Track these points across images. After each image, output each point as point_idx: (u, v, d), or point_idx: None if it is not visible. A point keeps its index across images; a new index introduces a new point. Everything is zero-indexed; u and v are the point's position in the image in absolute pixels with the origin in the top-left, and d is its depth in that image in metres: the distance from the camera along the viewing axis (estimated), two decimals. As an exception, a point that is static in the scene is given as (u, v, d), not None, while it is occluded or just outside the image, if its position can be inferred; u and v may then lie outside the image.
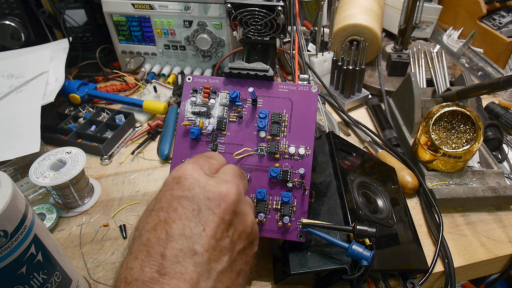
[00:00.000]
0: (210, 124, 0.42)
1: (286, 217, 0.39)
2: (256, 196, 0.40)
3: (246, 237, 0.31)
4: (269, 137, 0.41)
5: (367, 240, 0.37)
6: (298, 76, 0.48)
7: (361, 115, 0.73)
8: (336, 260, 0.38)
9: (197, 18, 0.74)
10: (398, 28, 0.78)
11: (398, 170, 0.55)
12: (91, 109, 0.74)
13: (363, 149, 0.62)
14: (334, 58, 0.72)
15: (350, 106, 0.74)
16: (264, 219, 0.40)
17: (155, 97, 0.76)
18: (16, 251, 0.30)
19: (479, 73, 0.81)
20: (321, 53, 0.78)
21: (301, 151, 0.40)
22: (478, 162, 0.58)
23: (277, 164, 0.40)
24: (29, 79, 0.70)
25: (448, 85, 0.69)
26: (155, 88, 0.76)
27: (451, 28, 0.93)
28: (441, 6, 0.91)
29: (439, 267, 0.45)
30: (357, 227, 0.37)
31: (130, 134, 0.70)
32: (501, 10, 0.88)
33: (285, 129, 0.41)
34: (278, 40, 0.53)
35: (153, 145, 0.67)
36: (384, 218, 0.44)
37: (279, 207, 0.40)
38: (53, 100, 0.66)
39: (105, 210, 0.55)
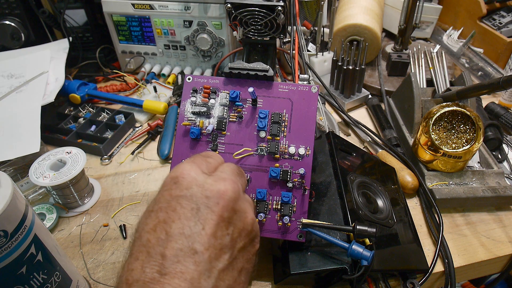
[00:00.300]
0: (210, 124, 0.42)
1: (286, 217, 0.39)
2: (256, 196, 0.40)
3: (246, 235, 0.31)
4: (269, 137, 0.41)
5: (367, 240, 0.37)
6: (298, 76, 0.48)
7: (361, 115, 0.73)
8: (336, 260, 0.38)
9: (197, 18, 0.74)
10: (398, 28, 0.78)
11: (398, 170, 0.55)
12: (91, 109, 0.74)
13: (363, 149, 0.62)
14: (334, 58, 0.72)
15: (350, 106, 0.74)
16: (264, 219, 0.40)
17: (155, 97, 0.76)
18: (16, 251, 0.30)
19: (479, 73, 0.81)
20: (321, 53, 0.78)
21: (301, 151, 0.40)
22: (478, 162, 0.58)
23: (277, 164, 0.40)
24: (29, 79, 0.70)
25: (448, 85, 0.69)
26: (155, 88, 0.76)
27: (451, 28, 0.93)
28: (441, 6, 0.91)
29: (439, 267, 0.45)
30: (357, 227, 0.37)
31: (130, 134, 0.70)
32: (501, 10, 0.88)
33: (285, 129, 0.41)
34: (278, 40, 0.53)
35: (153, 145, 0.67)
36: (384, 218, 0.44)
37: (279, 207, 0.40)
38: (53, 100, 0.66)
39: (105, 210, 0.55)
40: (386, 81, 0.78)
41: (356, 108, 0.75)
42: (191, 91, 0.43)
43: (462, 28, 0.91)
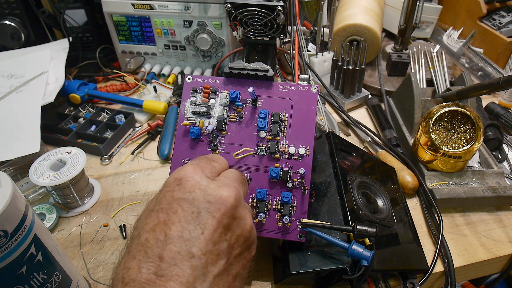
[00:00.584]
0: (210, 124, 0.42)
1: (286, 217, 0.39)
2: (256, 196, 0.40)
3: (243, 241, 0.31)
4: (269, 137, 0.41)
5: (367, 240, 0.37)
6: (298, 76, 0.48)
7: (361, 115, 0.73)
8: (336, 260, 0.38)
9: (197, 18, 0.74)
10: (398, 28, 0.78)
11: (398, 170, 0.55)
12: (91, 109, 0.74)
13: (363, 149, 0.62)
14: (334, 58, 0.72)
15: (350, 106, 0.74)
16: (264, 219, 0.40)
17: (155, 97, 0.76)
18: (16, 251, 0.31)
19: (479, 73, 0.81)
20: (321, 53, 0.78)
21: (301, 151, 0.40)
22: (478, 162, 0.58)
23: (277, 164, 0.40)
24: (29, 79, 0.70)
25: (448, 85, 0.69)
26: (155, 88, 0.76)
27: (451, 28, 0.93)
28: (441, 6, 0.91)
29: (439, 267, 0.45)
30: (357, 227, 0.37)
31: (130, 134, 0.70)
32: (501, 10, 0.88)
33: (285, 129, 0.41)
34: (278, 40, 0.53)
35: (153, 145, 0.67)
36: (384, 218, 0.44)
37: (279, 207, 0.40)
38: (53, 100, 0.66)
39: (105, 210, 0.55)
40: (386, 81, 0.78)
41: (356, 108, 0.75)
42: (191, 91, 0.43)
43: (462, 28, 0.91)
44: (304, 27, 0.83)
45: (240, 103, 0.42)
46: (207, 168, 0.33)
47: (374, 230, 0.36)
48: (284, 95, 0.42)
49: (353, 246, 0.36)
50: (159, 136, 0.67)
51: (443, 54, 0.76)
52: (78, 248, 0.49)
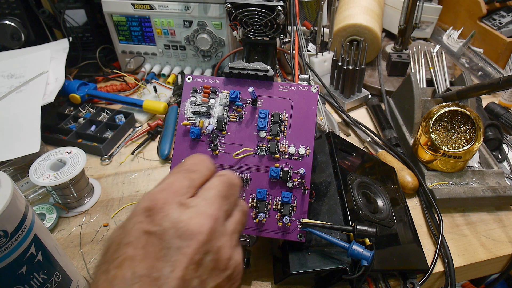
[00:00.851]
0: (210, 124, 0.42)
1: (286, 217, 0.39)
2: (256, 196, 0.40)
3: (218, 274, 0.29)
4: (269, 137, 0.41)
5: (367, 240, 0.37)
6: (298, 76, 0.48)
7: (361, 115, 0.73)
8: (336, 260, 0.38)
9: (197, 18, 0.74)
10: (398, 28, 0.78)
11: (398, 170, 0.55)
12: (91, 109, 0.74)
13: (363, 149, 0.62)
14: (334, 58, 0.72)
15: (350, 106, 0.74)
16: (264, 219, 0.40)
17: (155, 97, 0.76)
18: (16, 251, 0.31)
19: (479, 73, 0.81)
20: (321, 53, 0.78)
21: (301, 151, 0.40)
22: (478, 162, 0.58)
23: (277, 164, 0.40)
24: (29, 79, 0.70)
25: (448, 85, 0.69)
26: (155, 88, 0.76)
27: (451, 28, 0.93)
28: (441, 6, 0.91)
29: (439, 267, 0.45)
30: (357, 227, 0.37)
31: (130, 134, 0.70)
32: (501, 10, 0.89)
33: (285, 129, 0.41)
34: (278, 40, 0.53)
35: (153, 145, 0.67)
36: (384, 218, 0.44)
37: (279, 207, 0.40)
38: (53, 100, 0.66)
39: (105, 210, 0.55)
40: (386, 81, 0.78)
41: (356, 108, 0.75)
42: (191, 91, 0.43)
43: (462, 28, 0.91)
44: (304, 27, 0.83)
45: (240, 103, 0.42)
46: (183, 187, 0.30)
47: (374, 230, 0.36)
48: (284, 95, 0.42)
49: (353, 246, 0.36)
50: (159, 136, 0.67)
51: (443, 54, 0.76)
52: (78, 248, 0.49)
